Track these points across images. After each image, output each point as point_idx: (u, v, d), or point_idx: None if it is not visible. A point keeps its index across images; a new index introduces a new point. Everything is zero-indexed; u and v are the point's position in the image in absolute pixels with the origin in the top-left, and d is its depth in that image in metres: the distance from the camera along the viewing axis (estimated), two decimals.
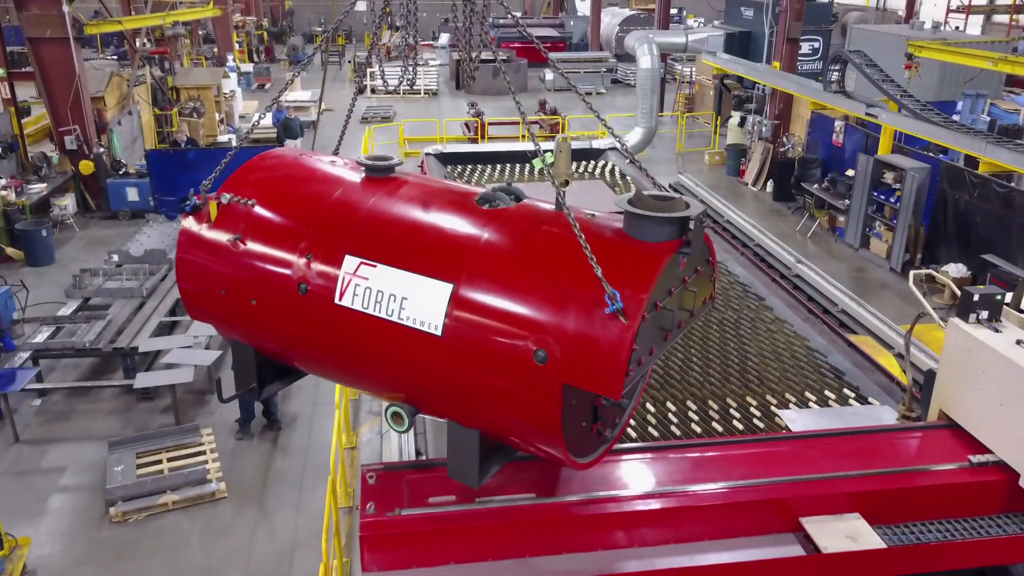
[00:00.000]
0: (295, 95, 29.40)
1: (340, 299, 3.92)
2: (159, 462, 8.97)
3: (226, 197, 4.28)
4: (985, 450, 4.86)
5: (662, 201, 3.77)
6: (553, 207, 4.05)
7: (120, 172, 18.04)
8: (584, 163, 13.76)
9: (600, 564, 4.19)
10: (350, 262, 3.95)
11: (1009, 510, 4.72)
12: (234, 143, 22.64)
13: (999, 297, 5.06)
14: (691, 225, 3.66)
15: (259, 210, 4.26)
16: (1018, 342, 4.77)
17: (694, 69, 29.58)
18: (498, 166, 13.71)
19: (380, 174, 4.40)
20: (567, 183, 3.97)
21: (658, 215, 3.66)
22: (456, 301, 3.68)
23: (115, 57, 28.55)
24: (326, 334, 4.05)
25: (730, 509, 4.45)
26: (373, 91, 32.51)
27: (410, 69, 5.37)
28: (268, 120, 23.41)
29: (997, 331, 4.94)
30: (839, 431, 5.41)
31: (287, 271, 4.06)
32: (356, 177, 4.41)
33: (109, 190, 17.68)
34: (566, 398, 3.57)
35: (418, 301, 3.75)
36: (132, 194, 17.48)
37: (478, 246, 3.81)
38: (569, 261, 3.61)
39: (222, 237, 4.25)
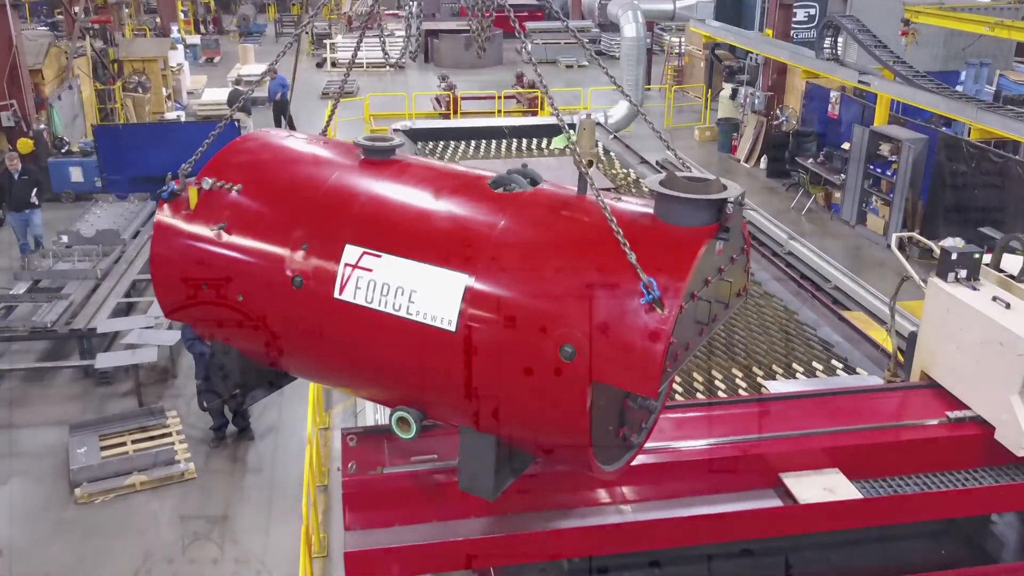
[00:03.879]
0: (248, 69, 29.65)
1: (340, 293, 3.87)
2: (123, 444, 9.43)
3: (208, 182, 4.22)
4: (963, 407, 5.39)
5: (696, 182, 3.73)
6: (563, 191, 4.06)
7: (63, 151, 18.26)
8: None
9: (582, 519, 4.57)
10: (351, 252, 3.89)
11: (987, 464, 5.24)
12: (183, 120, 22.89)
13: (977, 256, 5.58)
14: (729, 208, 3.64)
15: (245, 196, 4.22)
16: (994, 299, 5.28)
17: (683, 39, 30.08)
18: (472, 143, 14.13)
19: (380, 156, 4.37)
20: (592, 163, 3.94)
21: (694, 197, 3.62)
22: (472, 293, 3.64)
23: (45, 27, 28.54)
24: (323, 332, 4.00)
25: (711, 466, 4.92)
26: (334, 64, 32.80)
27: (413, 40, 5.41)
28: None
29: (975, 289, 5.46)
30: (820, 391, 5.95)
31: (279, 263, 4.01)
32: (353, 160, 4.39)
33: (51, 170, 17.86)
34: (593, 398, 3.54)
35: (429, 294, 3.70)
36: (76, 174, 17.69)
37: (495, 233, 3.76)
38: (597, 248, 3.59)
39: (204, 227, 4.20)
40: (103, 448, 9.41)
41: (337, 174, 4.29)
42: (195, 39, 36.11)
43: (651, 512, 4.74)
